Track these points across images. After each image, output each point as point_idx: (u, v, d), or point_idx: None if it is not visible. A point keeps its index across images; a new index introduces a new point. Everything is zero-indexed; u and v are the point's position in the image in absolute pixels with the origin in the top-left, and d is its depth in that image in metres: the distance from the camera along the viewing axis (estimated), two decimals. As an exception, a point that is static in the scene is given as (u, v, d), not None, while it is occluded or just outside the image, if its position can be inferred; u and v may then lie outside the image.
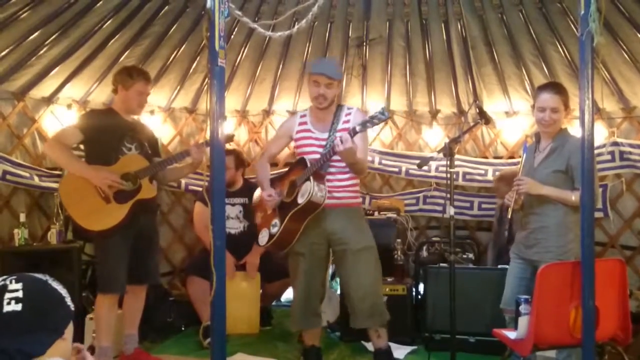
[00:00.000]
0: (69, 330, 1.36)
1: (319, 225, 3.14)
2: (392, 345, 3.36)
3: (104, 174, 3.21)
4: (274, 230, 3.17)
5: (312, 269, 3.23)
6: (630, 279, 3.91)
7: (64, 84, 4.48)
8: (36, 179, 4.32)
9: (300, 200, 3.03)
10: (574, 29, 4.11)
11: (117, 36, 4.26)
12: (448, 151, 3.06)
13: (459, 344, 3.10)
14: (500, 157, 5.25)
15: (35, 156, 4.52)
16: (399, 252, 4.25)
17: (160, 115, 5.26)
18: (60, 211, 4.17)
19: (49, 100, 4.56)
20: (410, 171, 5.16)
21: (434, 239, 4.83)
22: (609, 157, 4.65)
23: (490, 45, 4.65)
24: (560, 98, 2.84)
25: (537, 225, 2.86)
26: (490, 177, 4.94)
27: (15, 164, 4.29)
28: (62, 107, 4.66)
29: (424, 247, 4.57)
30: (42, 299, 1.32)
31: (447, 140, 3.53)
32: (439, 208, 5.10)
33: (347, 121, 3.17)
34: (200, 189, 4.78)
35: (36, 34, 3.91)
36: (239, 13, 2.32)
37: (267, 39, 4.76)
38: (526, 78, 4.82)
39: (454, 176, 3.14)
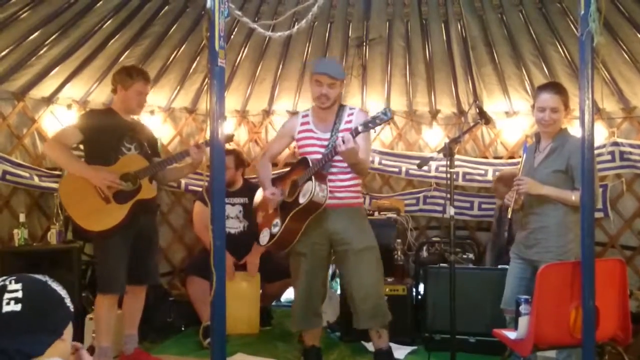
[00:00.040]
0: (68, 331, 1.36)
1: (320, 226, 3.14)
2: (392, 345, 3.36)
3: (103, 175, 3.20)
4: (275, 230, 3.16)
5: (313, 269, 3.23)
6: (630, 279, 3.91)
7: (64, 84, 4.48)
8: (36, 179, 4.32)
9: (302, 200, 3.02)
10: (574, 29, 4.11)
11: (117, 36, 4.26)
12: (448, 151, 3.06)
13: (459, 344, 3.10)
14: (500, 157, 5.25)
15: (35, 156, 4.52)
16: (399, 252, 4.25)
17: (160, 115, 5.26)
18: (60, 211, 4.17)
19: (49, 100, 4.56)
20: (410, 171, 5.16)
21: (434, 239, 4.83)
22: (609, 157, 4.65)
23: (490, 45, 4.65)
24: (560, 98, 2.84)
25: (537, 225, 2.86)
26: (490, 177, 4.94)
27: (15, 164, 4.29)
28: (62, 107, 4.66)
29: (424, 247, 4.57)
30: (42, 299, 1.32)
31: (447, 141, 3.53)
32: (439, 208, 5.10)
33: (350, 121, 3.16)
34: (200, 189, 4.78)
35: (36, 34, 3.91)
36: (239, 13, 2.32)
37: (267, 39, 4.76)
38: (526, 78, 4.82)
39: (454, 176, 3.14)
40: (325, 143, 3.15)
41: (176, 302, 4.48)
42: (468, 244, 4.59)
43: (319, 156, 3.10)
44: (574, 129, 3.24)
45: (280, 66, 5.12)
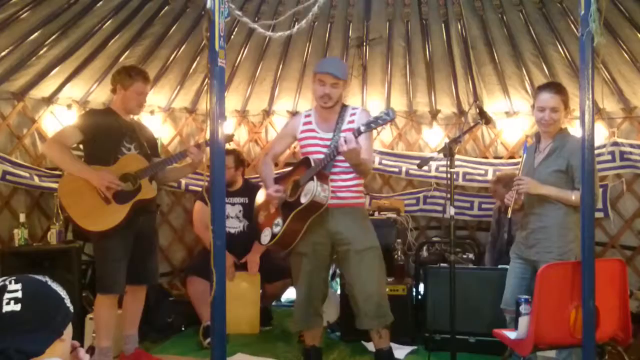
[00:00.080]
0: (68, 331, 1.36)
1: (322, 226, 3.13)
2: (392, 345, 3.35)
3: (102, 175, 3.19)
4: (277, 229, 3.14)
5: (315, 269, 3.22)
6: (631, 279, 3.92)
7: (64, 84, 4.48)
8: (36, 179, 4.32)
9: (304, 199, 3.01)
10: (574, 29, 4.12)
11: (117, 36, 4.27)
12: (448, 151, 3.06)
13: (459, 344, 3.10)
14: (501, 157, 5.25)
15: (35, 156, 4.52)
16: (399, 252, 4.25)
17: (160, 115, 5.26)
18: (60, 211, 4.16)
19: (49, 100, 4.57)
20: (411, 171, 5.16)
21: (434, 239, 4.83)
22: (609, 157, 4.65)
23: (491, 45, 4.65)
24: (560, 98, 2.84)
25: (537, 225, 2.86)
26: (490, 177, 4.94)
27: (15, 164, 4.29)
28: (62, 107, 4.66)
29: (424, 247, 4.57)
30: (42, 299, 1.32)
31: (447, 141, 3.54)
32: (439, 208, 5.10)
33: (352, 121, 3.15)
34: (200, 189, 4.78)
35: (36, 34, 3.91)
36: (239, 13, 2.32)
37: (267, 39, 4.76)
38: (526, 78, 4.82)
39: (454, 176, 3.14)
40: (328, 143, 3.14)
41: (176, 302, 4.49)
42: (468, 244, 4.59)
43: (321, 156, 3.09)
44: (574, 129, 3.25)
45: (281, 66, 5.12)
